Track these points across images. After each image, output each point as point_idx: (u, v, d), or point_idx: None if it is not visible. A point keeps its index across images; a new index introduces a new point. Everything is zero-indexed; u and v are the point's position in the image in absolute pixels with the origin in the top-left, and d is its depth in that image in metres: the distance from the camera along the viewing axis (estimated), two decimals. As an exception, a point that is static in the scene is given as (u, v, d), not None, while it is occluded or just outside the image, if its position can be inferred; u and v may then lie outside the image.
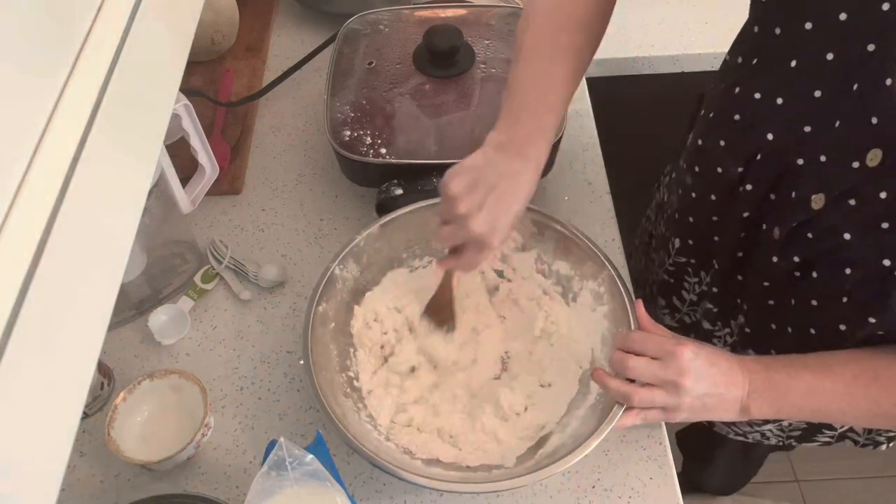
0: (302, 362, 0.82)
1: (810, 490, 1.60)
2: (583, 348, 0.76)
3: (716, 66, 1.15)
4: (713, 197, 0.73)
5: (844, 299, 0.63)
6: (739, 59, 0.67)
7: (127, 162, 0.42)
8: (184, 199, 0.87)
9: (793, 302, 0.68)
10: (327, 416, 0.66)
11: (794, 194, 0.63)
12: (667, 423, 0.78)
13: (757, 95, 0.64)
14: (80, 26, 0.38)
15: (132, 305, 0.86)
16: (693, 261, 0.83)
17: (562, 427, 0.71)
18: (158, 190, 0.81)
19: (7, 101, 0.32)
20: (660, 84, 1.18)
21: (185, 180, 0.88)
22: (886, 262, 0.58)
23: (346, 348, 0.77)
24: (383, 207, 0.86)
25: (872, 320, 0.62)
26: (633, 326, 0.71)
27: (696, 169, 0.74)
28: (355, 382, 0.75)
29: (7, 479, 0.29)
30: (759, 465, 1.26)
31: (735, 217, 0.71)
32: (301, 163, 1.02)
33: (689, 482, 1.30)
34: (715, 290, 0.80)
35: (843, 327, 0.65)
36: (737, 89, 0.66)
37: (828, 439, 0.87)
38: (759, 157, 0.65)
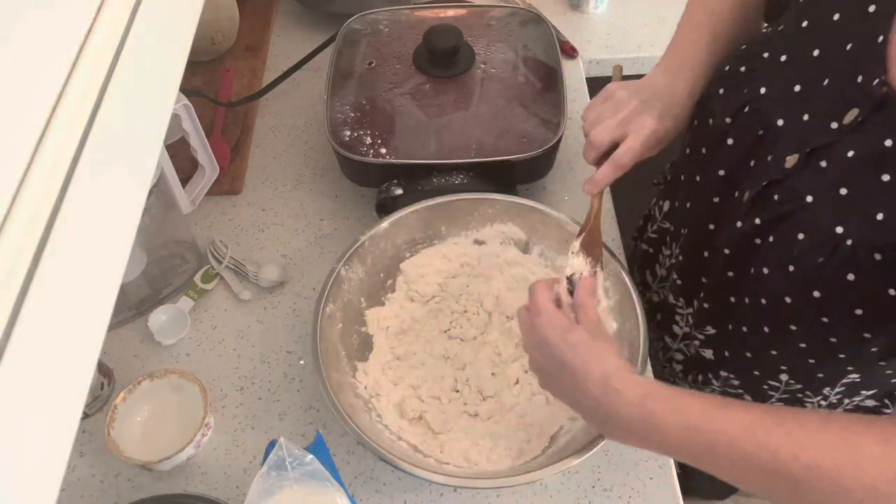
0: (302, 362, 0.83)
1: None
2: None
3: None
4: (703, 150, 0.73)
5: (791, 268, 0.62)
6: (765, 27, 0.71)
7: (127, 162, 0.42)
8: (184, 199, 0.87)
9: (751, 271, 0.67)
10: (336, 410, 0.66)
11: (770, 157, 0.63)
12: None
13: (765, 55, 0.65)
14: (80, 26, 0.38)
15: (132, 305, 0.86)
16: (671, 227, 0.84)
17: (571, 421, 0.71)
18: (158, 190, 0.81)
19: (7, 101, 0.32)
20: (660, 84, 1.18)
21: (185, 180, 0.88)
22: (839, 230, 0.56)
23: (354, 350, 0.77)
24: (383, 207, 0.86)
25: (817, 294, 0.60)
26: (639, 320, 0.71)
27: (695, 122, 0.75)
28: (364, 384, 0.75)
29: (7, 479, 0.29)
30: None
31: (712, 176, 0.71)
32: (301, 163, 1.02)
33: (683, 488, 1.29)
34: (681, 258, 0.81)
35: (788, 300, 0.63)
36: (744, 47, 0.69)
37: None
38: (746, 109, 0.65)
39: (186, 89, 0.90)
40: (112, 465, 0.76)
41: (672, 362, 0.89)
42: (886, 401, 0.74)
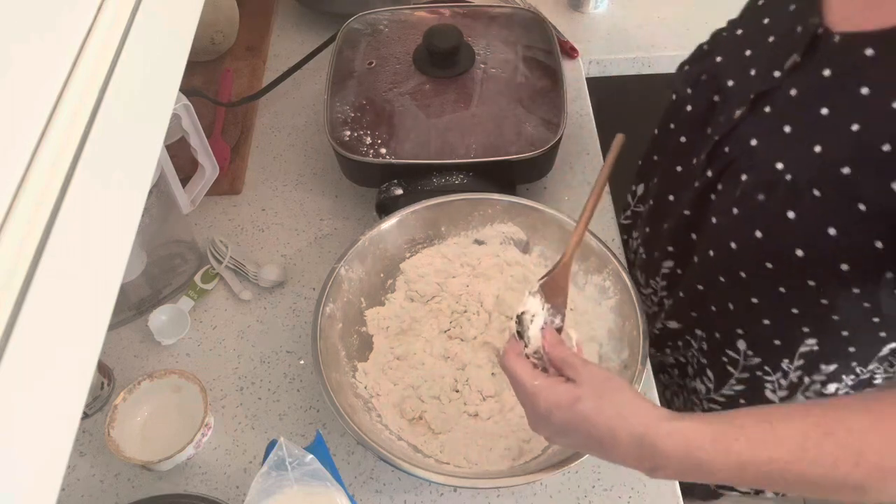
0: (302, 362, 0.83)
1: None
2: (589, 342, 0.77)
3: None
4: (671, 126, 0.77)
5: (735, 210, 0.63)
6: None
7: (127, 162, 0.42)
8: (184, 199, 0.87)
9: (704, 226, 0.69)
10: (336, 410, 0.66)
11: (722, 118, 0.66)
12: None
13: (724, 33, 0.71)
14: (80, 26, 0.38)
15: (132, 305, 0.86)
16: (641, 209, 0.87)
17: None
18: (158, 190, 0.81)
19: (7, 101, 0.32)
20: (660, 84, 1.18)
21: (185, 180, 0.88)
22: (779, 166, 0.58)
23: (354, 350, 0.77)
24: (383, 207, 0.86)
25: (759, 234, 0.61)
26: (639, 319, 0.71)
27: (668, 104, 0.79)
28: (364, 384, 0.75)
29: (7, 478, 0.29)
30: None
31: (675, 145, 0.75)
32: (301, 163, 1.02)
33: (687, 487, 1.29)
34: (647, 230, 0.83)
35: (733, 245, 0.64)
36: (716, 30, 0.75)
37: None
38: (703, 77, 0.70)
39: (186, 89, 0.90)
40: (112, 465, 0.76)
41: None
42: (845, 378, 0.73)
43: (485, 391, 0.76)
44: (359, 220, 0.95)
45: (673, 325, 0.82)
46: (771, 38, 0.63)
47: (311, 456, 0.57)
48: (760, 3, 0.68)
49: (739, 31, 0.69)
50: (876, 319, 0.64)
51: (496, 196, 0.82)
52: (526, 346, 0.60)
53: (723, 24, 0.80)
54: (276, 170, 1.02)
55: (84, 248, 0.36)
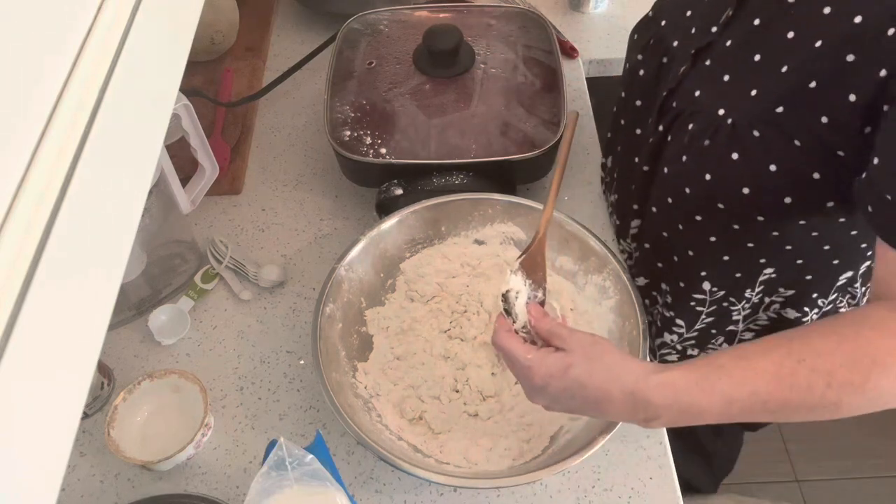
0: (302, 362, 0.83)
1: (810, 490, 1.60)
2: None
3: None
4: (623, 94, 0.81)
5: (684, 157, 0.67)
6: None
7: (127, 162, 0.42)
8: (184, 199, 0.87)
9: (658, 177, 0.73)
10: (336, 410, 0.66)
11: (669, 74, 0.70)
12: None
13: (662, 23, 0.74)
14: (80, 26, 0.38)
15: (132, 305, 0.86)
16: (608, 178, 0.91)
17: (572, 421, 0.71)
18: (158, 190, 0.81)
19: (7, 101, 0.32)
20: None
21: (185, 180, 0.88)
22: (721, 112, 0.63)
23: (354, 350, 0.77)
24: (383, 207, 0.86)
25: (708, 177, 0.65)
26: (639, 319, 0.71)
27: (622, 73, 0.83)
28: (364, 384, 0.75)
29: (7, 478, 0.29)
30: (729, 462, 1.26)
31: (632, 109, 0.79)
32: (301, 163, 1.02)
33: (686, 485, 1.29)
34: (615, 197, 0.87)
35: (687, 190, 0.68)
36: None
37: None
38: (651, 41, 0.75)
39: (186, 89, 0.90)
40: (112, 465, 0.76)
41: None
42: (804, 307, 0.78)
43: (485, 391, 0.76)
44: (359, 220, 0.95)
45: (641, 281, 0.86)
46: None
47: (311, 456, 0.57)
48: None
49: None
50: (827, 247, 0.70)
51: (496, 196, 0.82)
52: (514, 321, 0.63)
53: None
54: (276, 170, 1.02)
55: (84, 248, 0.36)
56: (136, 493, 0.73)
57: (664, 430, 0.77)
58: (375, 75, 0.94)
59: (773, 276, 0.74)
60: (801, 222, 0.66)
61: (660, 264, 0.82)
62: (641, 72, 0.76)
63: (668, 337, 0.87)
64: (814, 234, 0.68)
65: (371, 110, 0.90)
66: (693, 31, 0.69)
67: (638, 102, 0.78)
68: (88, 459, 0.76)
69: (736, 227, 0.68)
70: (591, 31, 1.18)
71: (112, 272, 0.39)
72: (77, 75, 0.37)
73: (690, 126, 0.66)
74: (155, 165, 0.46)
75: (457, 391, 0.77)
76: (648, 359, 0.72)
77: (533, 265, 0.68)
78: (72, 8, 0.38)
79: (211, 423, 0.77)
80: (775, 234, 0.68)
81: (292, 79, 1.06)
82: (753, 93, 0.61)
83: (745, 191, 0.63)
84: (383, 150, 0.87)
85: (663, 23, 0.73)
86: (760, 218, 0.66)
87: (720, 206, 0.67)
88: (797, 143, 0.59)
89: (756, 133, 0.61)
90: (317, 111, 1.08)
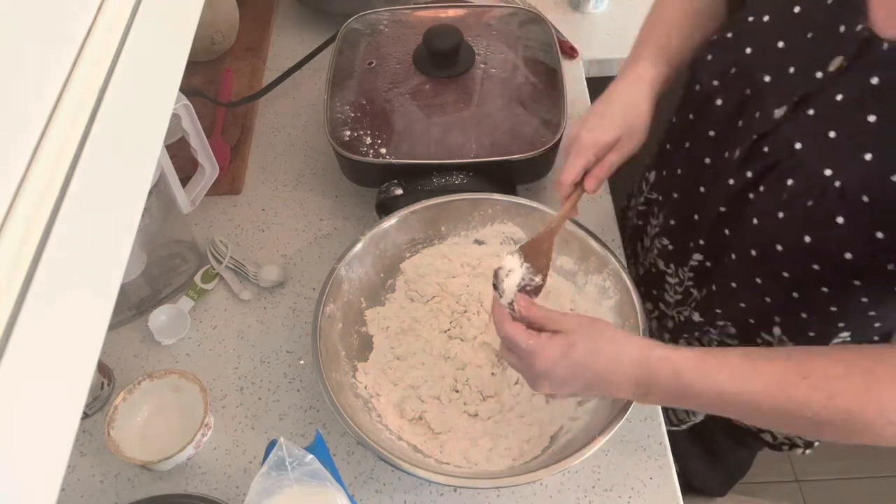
0: (302, 362, 0.83)
1: (810, 490, 1.60)
2: None
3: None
4: (690, 116, 0.75)
5: (781, 214, 0.63)
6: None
7: (127, 162, 0.42)
8: (184, 199, 0.87)
9: (744, 225, 0.68)
10: (336, 410, 0.66)
11: (758, 113, 0.65)
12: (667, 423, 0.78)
13: (750, 18, 0.67)
14: (80, 26, 0.38)
15: (132, 305, 0.86)
16: (659, 197, 0.85)
17: (572, 421, 0.71)
18: (158, 190, 0.81)
19: (7, 101, 0.32)
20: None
21: (185, 180, 0.88)
22: (827, 172, 0.58)
23: (354, 350, 0.77)
24: (383, 207, 0.86)
25: (808, 239, 0.61)
26: (639, 319, 0.71)
27: (682, 91, 0.77)
28: (364, 384, 0.75)
29: (7, 478, 0.29)
30: (746, 462, 1.26)
31: (702, 139, 0.73)
32: (301, 163, 1.02)
33: (681, 483, 1.30)
34: (672, 222, 0.82)
35: (779, 247, 0.64)
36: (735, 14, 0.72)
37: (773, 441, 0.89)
38: (733, 70, 0.68)
39: (186, 89, 0.90)
40: (112, 465, 0.76)
41: (663, 331, 0.90)
42: None
43: (485, 391, 0.76)
44: (359, 220, 0.95)
45: (696, 317, 0.82)
46: (809, 34, 0.61)
47: (311, 456, 0.57)
48: None
49: (766, 18, 0.65)
50: None
51: (496, 196, 0.82)
52: (500, 296, 0.65)
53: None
54: (276, 170, 1.02)
55: (84, 248, 0.36)
56: (136, 493, 0.73)
57: (664, 431, 0.77)
58: (375, 75, 0.94)
59: (848, 340, 0.71)
60: None
61: (719, 310, 0.78)
62: (719, 101, 0.69)
63: None
64: None
65: (371, 110, 0.90)
66: (791, 70, 0.62)
67: (711, 133, 0.72)
68: (88, 459, 0.76)
69: (825, 289, 0.65)
70: (591, 31, 1.18)
71: (112, 272, 0.39)
72: (77, 75, 0.37)
73: (790, 182, 0.61)
74: (155, 165, 0.46)
75: (457, 391, 0.77)
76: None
77: (536, 252, 0.68)
78: (71, 8, 0.38)
79: (211, 423, 0.77)
80: (864, 299, 0.64)
81: (292, 79, 1.06)
82: (868, 157, 0.56)
83: (848, 256, 0.60)
84: (383, 150, 0.87)
85: (748, 50, 0.66)
86: (857, 283, 0.62)
87: (815, 267, 0.63)
88: None
89: (865, 198, 0.56)
90: (317, 111, 1.08)
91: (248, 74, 1.12)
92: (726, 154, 0.69)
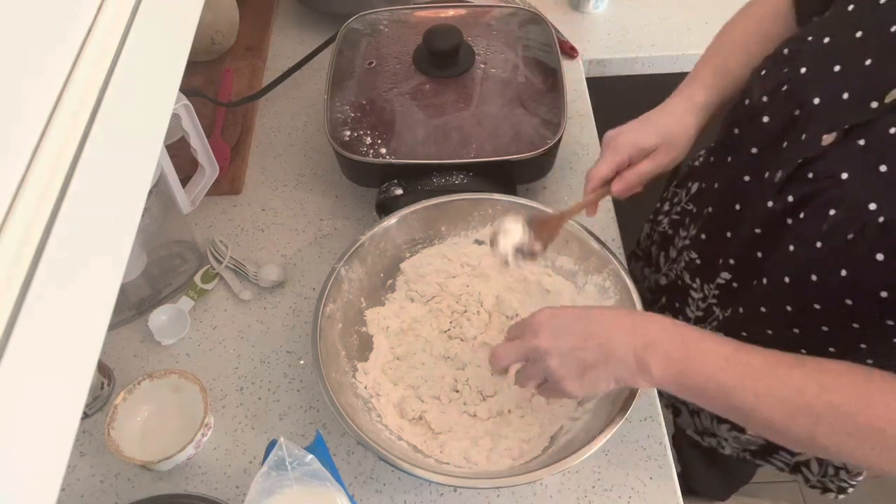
0: (302, 362, 0.83)
1: (810, 490, 1.60)
2: None
3: (716, 65, 1.14)
4: (735, 131, 0.73)
5: (819, 244, 0.61)
6: (814, 19, 0.70)
7: (127, 162, 0.42)
8: (184, 199, 0.87)
9: (779, 250, 0.67)
10: (336, 410, 0.66)
11: (804, 136, 0.63)
12: (666, 423, 0.78)
13: (809, 38, 0.65)
14: (80, 26, 0.38)
15: (132, 305, 0.86)
16: (694, 209, 0.84)
17: (572, 421, 0.71)
18: (158, 190, 0.81)
19: (7, 101, 0.32)
20: (660, 84, 1.18)
21: (185, 180, 0.88)
22: (872, 206, 0.56)
23: (354, 350, 0.77)
24: (383, 207, 0.86)
25: (844, 273, 0.59)
26: None
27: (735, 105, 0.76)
28: (364, 384, 0.75)
29: (7, 478, 0.29)
30: (748, 473, 1.26)
31: (744, 156, 0.71)
32: (301, 163, 1.02)
33: (684, 486, 1.30)
34: (703, 237, 0.80)
35: (814, 277, 0.62)
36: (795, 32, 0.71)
37: (782, 465, 0.87)
38: (784, 88, 0.65)
39: (186, 89, 0.90)
40: (112, 465, 0.76)
41: None
42: None
43: (485, 391, 0.76)
44: (359, 220, 0.95)
45: (720, 334, 0.80)
46: (868, 62, 0.59)
47: (311, 456, 0.57)
48: (850, 8, 0.63)
49: (827, 40, 0.63)
50: None
51: (496, 196, 0.82)
52: (494, 253, 0.70)
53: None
54: (276, 170, 1.02)
55: (84, 248, 0.36)
56: (136, 493, 0.73)
57: (664, 431, 0.77)
58: (375, 75, 0.94)
59: None
60: None
61: (744, 332, 0.74)
62: (766, 118, 0.67)
63: None
64: None
65: (371, 110, 0.90)
66: (845, 96, 0.60)
67: (754, 150, 0.70)
68: (88, 459, 0.76)
69: (856, 325, 0.62)
70: (591, 31, 1.18)
71: (112, 272, 0.39)
72: (77, 75, 0.37)
73: (832, 212, 0.59)
74: (155, 165, 0.46)
75: (457, 391, 0.77)
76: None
77: (542, 225, 0.71)
78: (72, 8, 0.38)
79: (211, 423, 0.77)
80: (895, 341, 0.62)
81: (292, 79, 1.06)
82: None
83: (883, 294, 0.57)
84: (383, 150, 0.87)
85: (803, 70, 0.64)
86: (891, 322, 0.60)
87: (848, 302, 0.60)
88: None
89: None
90: (317, 111, 1.08)
91: (248, 74, 1.12)
92: (767, 174, 0.67)
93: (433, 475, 0.64)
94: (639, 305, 0.72)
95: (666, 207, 0.93)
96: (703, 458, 1.19)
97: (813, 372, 0.54)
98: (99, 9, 0.40)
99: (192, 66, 1.12)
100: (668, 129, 0.72)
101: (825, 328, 0.65)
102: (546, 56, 0.96)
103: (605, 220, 0.94)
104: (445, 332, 0.81)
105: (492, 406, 0.75)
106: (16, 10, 0.33)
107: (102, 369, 0.81)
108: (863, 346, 0.64)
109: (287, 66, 1.06)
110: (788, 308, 0.67)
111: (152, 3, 0.45)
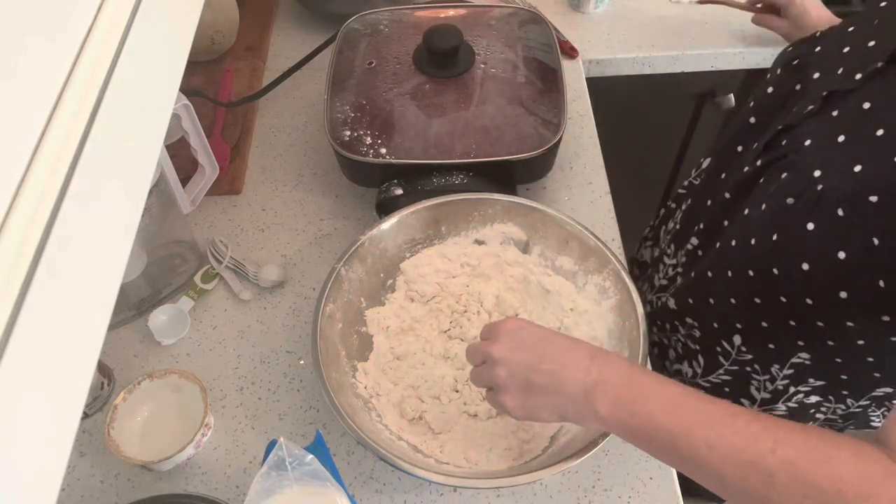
0: (302, 362, 0.83)
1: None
2: (589, 342, 0.76)
3: (716, 65, 1.15)
4: (752, 103, 0.75)
5: (763, 206, 0.61)
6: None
7: (127, 162, 0.42)
8: (184, 199, 0.87)
9: (738, 214, 0.67)
10: (336, 410, 0.66)
11: (795, 108, 0.64)
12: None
13: (840, 25, 0.69)
14: (80, 26, 0.38)
15: (132, 305, 0.86)
16: (697, 182, 0.85)
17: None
18: (158, 190, 0.81)
19: (7, 101, 0.32)
20: (660, 84, 1.18)
21: (185, 180, 0.88)
22: (816, 174, 0.56)
23: (354, 350, 0.77)
24: (383, 207, 0.86)
25: (774, 237, 0.59)
26: (639, 319, 0.71)
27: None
28: (364, 384, 0.75)
29: (7, 478, 0.29)
30: None
31: (745, 124, 0.73)
32: (301, 163, 1.02)
33: (685, 487, 1.30)
34: (690, 202, 0.82)
35: (752, 241, 0.62)
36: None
37: None
38: (795, 62, 0.69)
39: (186, 89, 0.90)
40: (112, 465, 0.76)
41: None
42: (831, 397, 0.73)
43: (485, 391, 0.76)
44: (359, 220, 0.95)
45: (671, 304, 0.82)
46: (871, 43, 0.60)
47: (311, 456, 0.57)
48: (883, 3, 0.64)
49: (851, 29, 0.65)
50: (871, 359, 0.63)
51: (496, 196, 0.82)
52: None
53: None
54: (276, 170, 1.02)
55: (84, 248, 0.36)
56: (136, 493, 0.73)
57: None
58: (375, 75, 0.94)
59: (807, 363, 0.68)
60: (850, 324, 0.59)
61: (691, 300, 0.77)
62: (770, 89, 0.70)
63: (685, 368, 0.83)
64: (860, 341, 0.60)
65: (371, 110, 0.90)
66: (840, 71, 0.61)
67: (752, 119, 0.72)
68: (88, 459, 0.76)
69: (783, 299, 0.62)
70: (591, 31, 1.18)
71: (112, 272, 0.39)
72: (77, 75, 0.37)
73: (784, 175, 0.60)
74: (155, 165, 0.46)
75: (457, 391, 0.77)
76: (648, 359, 0.72)
77: None
78: (72, 8, 0.38)
79: (211, 423, 0.77)
80: (820, 323, 0.61)
81: (292, 79, 1.06)
82: (857, 168, 0.54)
83: (805, 266, 0.57)
84: (383, 150, 0.87)
85: (818, 48, 0.67)
86: (809, 301, 0.59)
87: (775, 271, 0.60)
88: (875, 241, 0.52)
89: (840, 212, 0.54)
90: (317, 111, 1.08)
91: (248, 74, 1.12)
92: (755, 144, 0.68)
93: (433, 475, 0.64)
94: (639, 306, 0.72)
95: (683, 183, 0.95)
96: None
97: (770, 425, 0.49)
98: (99, 9, 0.40)
99: (192, 66, 1.12)
100: None
101: (757, 300, 0.65)
102: (546, 56, 0.96)
103: (604, 220, 0.94)
104: (445, 332, 0.81)
105: (492, 406, 0.75)
106: (16, 10, 0.33)
107: (102, 369, 0.81)
108: (792, 322, 0.64)
109: (287, 66, 1.06)
110: (729, 274, 0.67)
111: (152, 2, 0.45)
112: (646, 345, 0.70)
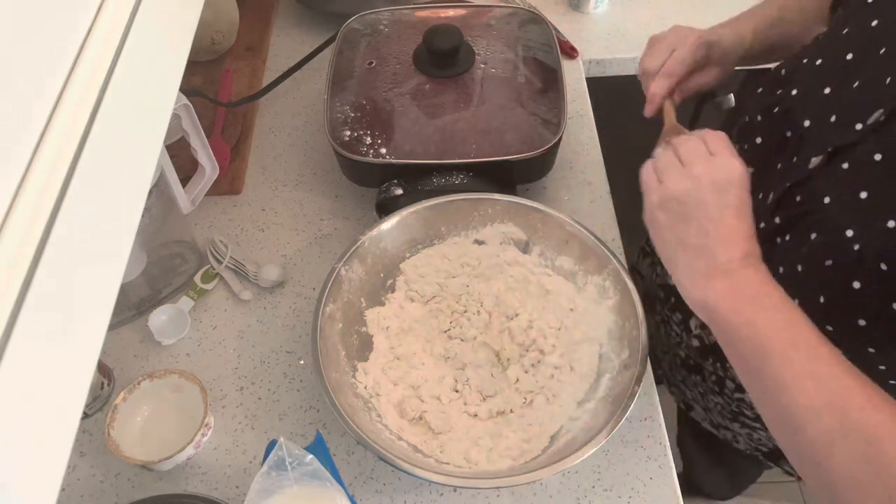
0: (302, 362, 0.83)
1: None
2: (589, 343, 0.77)
3: (716, 66, 1.14)
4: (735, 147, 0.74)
5: (800, 267, 0.61)
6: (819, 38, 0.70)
7: (127, 162, 0.42)
8: (184, 199, 0.87)
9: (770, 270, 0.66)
10: (336, 410, 0.66)
11: (795, 159, 0.63)
12: (667, 424, 0.78)
13: (804, 60, 0.65)
14: (80, 26, 0.38)
15: (132, 305, 0.86)
16: None
17: (572, 421, 0.71)
18: (158, 190, 0.81)
19: (7, 101, 0.32)
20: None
21: (185, 180, 0.88)
22: (849, 233, 0.55)
23: (354, 350, 0.77)
24: (383, 207, 0.86)
25: (822, 299, 0.59)
26: (639, 319, 0.71)
27: (731, 120, 0.77)
28: (364, 384, 0.75)
29: (7, 478, 0.29)
30: (755, 473, 1.26)
31: None
32: (301, 163, 1.02)
33: (689, 485, 1.29)
34: None
35: (797, 300, 0.60)
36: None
37: (790, 468, 0.86)
38: (776, 109, 0.66)
39: (186, 89, 0.90)
40: (112, 465, 0.76)
41: (686, 347, 0.88)
42: None
43: (485, 391, 0.76)
44: (359, 220, 0.95)
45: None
46: (856, 84, 0.59)
47: (311, 456, 0.57)
48: (844, 32, 0.63)
49: (819, 62, 0.63)
50: None
51: (496, 196, 0.82)
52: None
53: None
54: (276, 170, 1.02)
55: (84, 248, 0.36)
56: (136, 493, 0.73)
57: (664, 431, 0.77)
58: (375, 75, 0.94)
59: None
60: None
61: None
62: (758, 139, 0.68)
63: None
64: None
65: (371, 110, 0.90)
66: (833, 119, 0.59)
67: (750, 170, 0.68)
68: (88, 459, 0.76)
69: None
70: (591, 31, 1.18)
71: (112, 272, 0.39)
72: (77, 75, 0.37)
73: (813, 236, 0.59)
74: (155, 165, 0.46)
75: (457, 391, 0.77)
76: (648, 360, 0.72)
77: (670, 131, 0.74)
78: (72, 8, 0.38)
79: (211, 423, 0.77)
80: (881, 367, 0.60)
81: (292, 79, 1.06)
82: (891, 224, 0.53)
83: (861, 323, 0.56)
84: (383, 150, 0.87)
85: (794, 91, 0.64)
86: (871, 350, 0.58)
87: (829, 328, 0.58)
88: None
89: (884, 267, 0.53)
90: (317, 111, 1.08)
91: (248, 74, 1.12)
92: (760, 195, 0.67)
93: (433, 475, 0.64)
94: (639, 306, 0.72)
95: None
96: (709, 457, 1.19)
97: (867, 387, 0.49)
98: (99, 9, 0.40)
99: (192, 66, 1.12)
100: (712, 34, 0.79)
101: None
102: (546, 56, 0.96)
103: (604, 220, 0.94)
104: (445, 332, 0.81)
105: (492, 406, 0.75)
106: (16, 10, 0.33)
107: (102, 369, 0.81)
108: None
109: (287, 66, 1.06)
110: None
111: (152, 2, 0.45)
112: (646, 346, 0.70)
